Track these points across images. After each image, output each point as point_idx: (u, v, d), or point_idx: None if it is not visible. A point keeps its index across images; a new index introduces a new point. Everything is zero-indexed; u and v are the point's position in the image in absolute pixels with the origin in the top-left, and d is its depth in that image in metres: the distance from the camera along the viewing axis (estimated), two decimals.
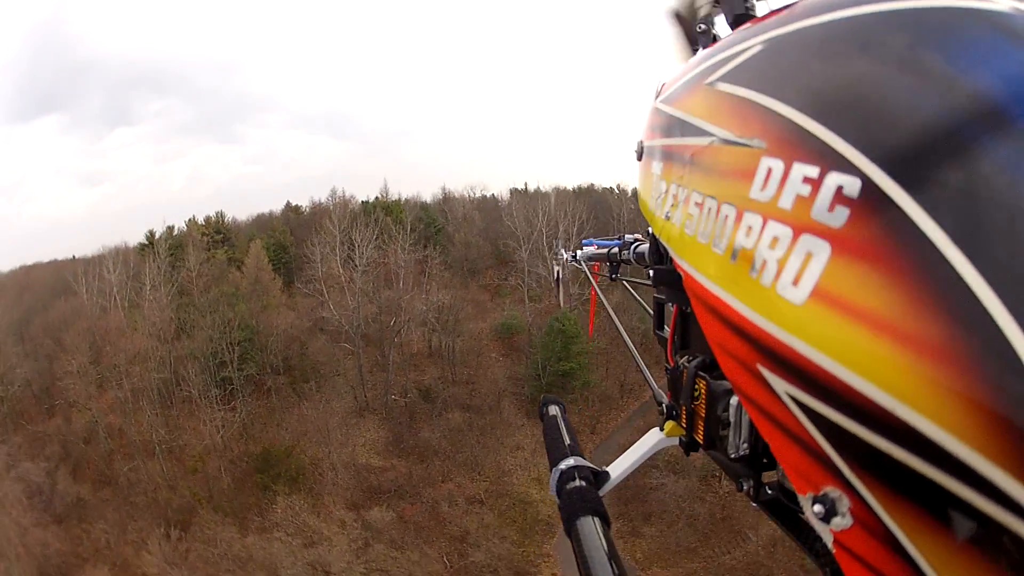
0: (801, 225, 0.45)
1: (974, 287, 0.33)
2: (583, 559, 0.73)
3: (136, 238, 41.30)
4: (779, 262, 0.47)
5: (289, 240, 39.77)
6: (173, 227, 41.28)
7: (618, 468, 1.02)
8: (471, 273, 38.61)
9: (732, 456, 0.71)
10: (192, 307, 31.45)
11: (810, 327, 0.43)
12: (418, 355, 32.26)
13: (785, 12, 0.58)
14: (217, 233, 42.34)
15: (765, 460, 0.70)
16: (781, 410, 0.47)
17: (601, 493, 0.92)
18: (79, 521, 25.04)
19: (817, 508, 0.44)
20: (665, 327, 1.04)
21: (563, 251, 5.12)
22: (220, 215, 44.72)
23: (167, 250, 36.19)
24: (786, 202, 0.48)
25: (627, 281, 2.42)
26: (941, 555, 0.35)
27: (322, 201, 45.48)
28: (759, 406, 0.51)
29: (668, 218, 0.78)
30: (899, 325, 0.36)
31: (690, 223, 0.68)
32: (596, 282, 3.13)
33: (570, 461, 0.96)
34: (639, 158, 0.98)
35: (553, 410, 1.21)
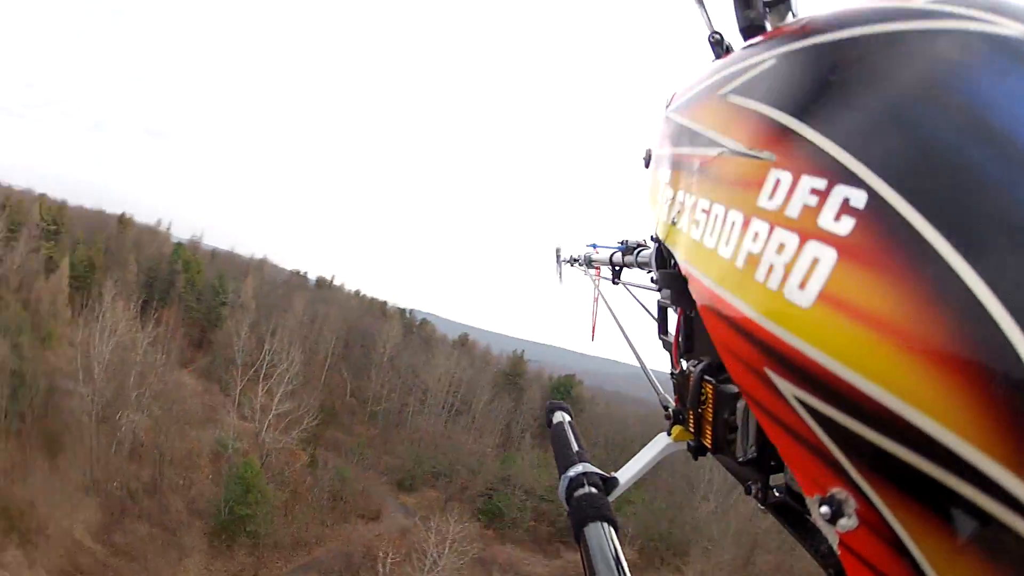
0: (807, 232, 0.46)
1: (976, 291, 0.34)
2: (590, 564, 0.75)
3: None
4: (786, 267, 0.48)
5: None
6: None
7: (627, 473, 1.02)
8: None
9: (740, 459, 0.71)
10: None
11: (817, 330, 0.43)
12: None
13: (798, 27, 0.61)
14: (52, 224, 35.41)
15: (773, 463, 0.70)
16: (788, 413, 0.47)
17: (610, 499, 0.93)
18: None
19: (824, 510, 0.44)
20: (669, 332, 1.04)
21: (564, 255, 4.92)
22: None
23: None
24: (793, 211, 0.48)
25: (629, 286, 2.40)
26: (945, 557, 0.36)
27: None
28: (766, 409, 0.51)
29: (674, 223, 0.79)
30: (904, 328, 0.37)
31: (696, 228, 0.69)
32: (598, 286, 3.13)
33: (579, 468, 0.97)
34: (646, 165, 1.00)
35: (559, 416, 1.19)
